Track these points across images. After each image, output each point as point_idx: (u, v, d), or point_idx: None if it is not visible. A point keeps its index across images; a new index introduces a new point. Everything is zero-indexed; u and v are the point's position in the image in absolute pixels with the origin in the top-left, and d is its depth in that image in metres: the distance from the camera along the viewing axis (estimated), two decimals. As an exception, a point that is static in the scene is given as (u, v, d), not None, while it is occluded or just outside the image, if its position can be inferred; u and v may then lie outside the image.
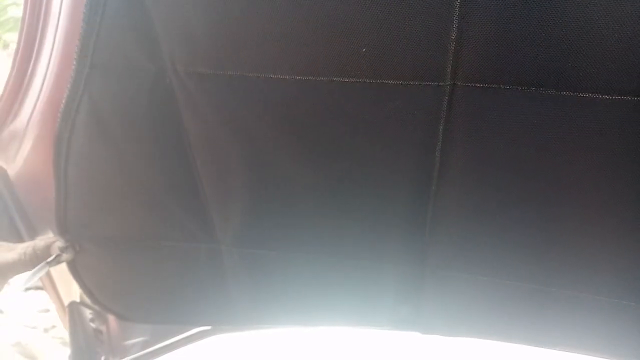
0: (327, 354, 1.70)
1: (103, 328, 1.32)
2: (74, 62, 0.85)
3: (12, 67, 1.01)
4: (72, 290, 1.31)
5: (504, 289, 1.00)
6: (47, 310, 3.40)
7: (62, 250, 1.06)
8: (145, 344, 1.39)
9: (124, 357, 1.40)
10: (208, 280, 1.14)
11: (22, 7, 0.96)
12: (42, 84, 0.98)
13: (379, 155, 0.88)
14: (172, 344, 1.40)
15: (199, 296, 1.17)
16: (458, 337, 1.15)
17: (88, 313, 1.30)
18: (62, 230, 1.06)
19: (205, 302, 1.19)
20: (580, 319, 1.00)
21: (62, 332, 3.18)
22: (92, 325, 1.32)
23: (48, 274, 1.36)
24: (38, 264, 1.02)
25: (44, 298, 3.40)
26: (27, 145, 1.07)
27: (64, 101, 0.90)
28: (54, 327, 3.29)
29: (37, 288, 3.53)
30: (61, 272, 1.29)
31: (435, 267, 1.01)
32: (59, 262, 1.08)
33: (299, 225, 1.01)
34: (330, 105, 0.83)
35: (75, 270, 1.13)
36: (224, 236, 1.06)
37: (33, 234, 1.19)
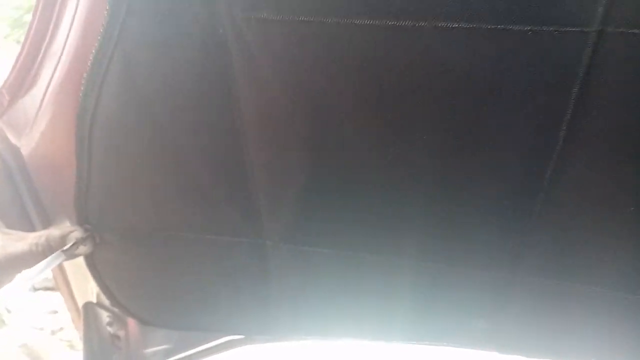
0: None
1: (121, 333, 1.18)
2: (107, 7, 0.70)
3: (31, 25, 0.87)
4: (88, 290, 1.18)
5: (603, 299, 0.83)
6: (55, 312, 3.40)
7: (80, 241, 0.92)
8: (168, 353, 1.24)
9: (142, 367, 1.25)
10: (247, 281, 0.98)
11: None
12: (65, 42, 0.83)
13: (482, 129, 0.71)
14: (196, 353, 1.25)
15: (236, 300, 1.02)
16: (537, 357, 0.98)
17: (105, 315, 1.16)
18: (82, 218, 0.92)
19: (242, 307, 1.03)
20: None
21: (70, 334, 3.13)
22: (109, 329, 1.17)
23: (62, 271, 1.22)
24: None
25: (52, 299, 3.38)
26: (44, 119, 0.93)
27: (91, 58, 0.75)
28: (61, 329, 3.29)
29: (46, 289, 3.50)
30: (76, 268, 1.16)
31: (528, 273, 0.84)
32: (75, 256, 0.94)
33: (370, 220, 0.84)
34: (430, 59, 0.66)
35: (93, 265, 0.99)
36: (272, 230, 0.89)
37: (46, 223, 1.05)
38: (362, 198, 0.82)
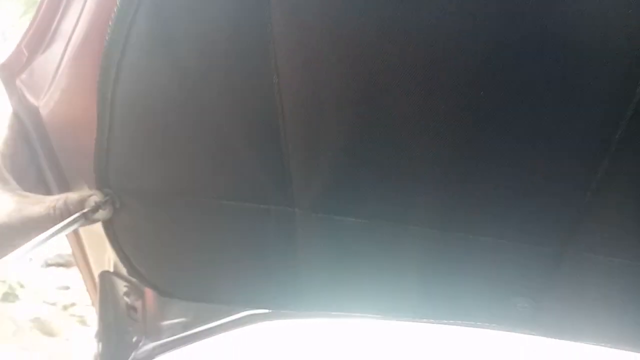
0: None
1: (138, 304, 1.14)
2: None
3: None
4: (105, 260, 1.14)
5: None
6: (67, 288, 3.43)
7: (100, 205, 0.88)
8: (186, 326, 1.21)
9: (158, 339, 1.22)
10: (273, 252, 0.93)
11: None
12: (88, -8, 0.79)
13: (547, 85, 0.64)
14: (215, 327, 1.21)
15: (260, 271, 0.97)
16: (585, 342, 0.93)
17: (122, 285, 1.12)
18: (102, 181, 0.88)
19: (267, 279, 0.99)
20: None
21: (82, 310, 3.15)
22: (126, 299, 1.14)
23: (79, 241, 1.18)
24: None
25: (64, 275, 3.40)
26: (64, 76, 0.88)
27: (116, 8, 0.70)
28: (73, 304, 3.32)
29: (58, 265, 3.51)
30: (94, 238, 1.12)
31: (581, 250, 0.78)
32: (93, 221, 0.90)
33: (410, 189, 0.78)
34: (498, 8, 0.60)
35: (112, 232, 0.94)
36: (303, 198, 0.85)
37: (64, 187, 1.01)
38: (401, 165, 0.76)
